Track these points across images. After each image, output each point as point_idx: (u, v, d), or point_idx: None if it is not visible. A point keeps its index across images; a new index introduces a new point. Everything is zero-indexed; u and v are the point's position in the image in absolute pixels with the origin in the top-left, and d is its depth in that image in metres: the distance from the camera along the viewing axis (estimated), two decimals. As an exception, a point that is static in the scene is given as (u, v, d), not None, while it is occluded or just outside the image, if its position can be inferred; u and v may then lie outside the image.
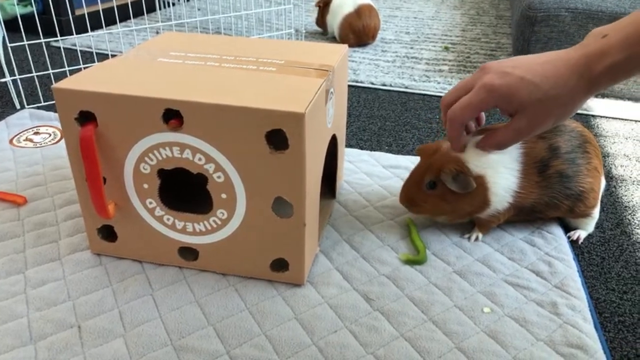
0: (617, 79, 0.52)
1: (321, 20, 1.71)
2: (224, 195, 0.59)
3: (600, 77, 0.52)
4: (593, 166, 0.70)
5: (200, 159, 0.57)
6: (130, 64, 0.64)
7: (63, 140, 0.97)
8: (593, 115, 1.17)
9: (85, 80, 0.58)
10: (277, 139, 0.54)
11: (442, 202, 0.68)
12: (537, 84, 0.54)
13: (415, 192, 0.70)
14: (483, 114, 0.69)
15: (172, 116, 0.55)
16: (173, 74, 0.61)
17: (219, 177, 0.57)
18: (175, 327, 0.57)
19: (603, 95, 1.27)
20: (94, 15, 1.42)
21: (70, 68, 1.21)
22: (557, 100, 0.54)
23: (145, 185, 0.60)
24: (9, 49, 1.11)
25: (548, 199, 0.69)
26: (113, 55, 1.18)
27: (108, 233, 0.66)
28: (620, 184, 0.89)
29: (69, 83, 0.57)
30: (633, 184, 0.89)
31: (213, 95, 0.55)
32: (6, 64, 1.14)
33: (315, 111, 0.56)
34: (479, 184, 0.66)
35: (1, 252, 0.67)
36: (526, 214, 0.71)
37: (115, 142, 0.58)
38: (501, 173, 0.67)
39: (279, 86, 0.58)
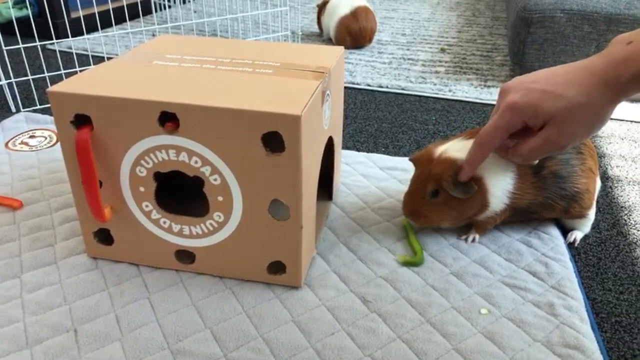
0: None
1: (319, 24, 1.71)
2: (220, 198, 0.58)
3: (628, 84, 0.51)
4: (588, 167, 0.70)
5: (196, 162, 0.57)
6: (126, 66, 0.64)
7: (59, 144, 0.97)
8: (589, 116, 1.17)
9: (81, 84, 0.58)
10: (274, 142, 0.53)
11: (446, 208, 0.68)
12: (559, 94, 0.53)
13: (419, 203, 0.69)
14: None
15: (168, 119, 0.55)
16: (169, 76, 0.61)
17: (215, 179, 0.57)
18: (172, 330, 0.57)
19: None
20: (89, 18, 1.42)
21: (66, 71, 1.20)
22: (585, 108, 0.53)
23: (142, 189, 0.60)
24: (4, 52, 1.10)
25: (543, 200, 0.69)
26: (109, 58, 1.18)
27: (104, 236, 0.65)
28: (616, 185, 0.89)
29: (65, 86, 0.57)
30: (629, 185, 0.90)
31: (209, 97, 0.55)
32: (1, 67, 1.14)
33: (312, 113, 0.56)
34: (479, 186, 0.66)
35: (-3, 256, 0.67)
36: (522, 215, 0.72)
37: (111, 145, 0.58)
38: (498, 174, 0.67)
39: (275, 88, 0.58)
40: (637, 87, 0.51)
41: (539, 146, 0.57)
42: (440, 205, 0.68)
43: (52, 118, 1.08)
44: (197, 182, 0.58)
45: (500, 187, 0.67)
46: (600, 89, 0.52)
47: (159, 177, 0.60)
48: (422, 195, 0.68)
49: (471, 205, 0.68)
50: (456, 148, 0.68)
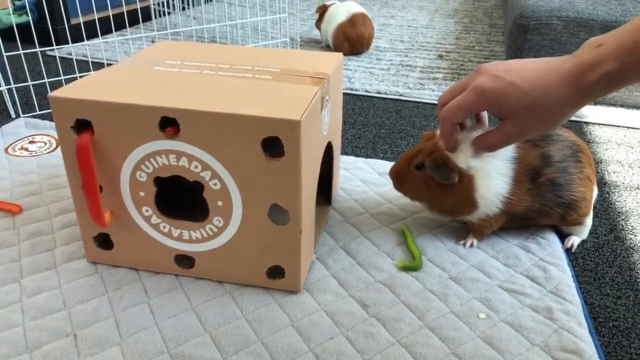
0: (610, 88, 0.52)
1: (319, 28, 1.72)
2: (220, 203, 0.59)
3: (593, 87, 0.52)
4: (585, 175, 0.71)
5: (196, 167, 0.57)
6: (126, 72, 0.65)
7: (59, 149, 0.97)
8: (586, 122, 1.18)
9: (82, 89, 0.58)
10: (273, 146, 0.54)
11: (424, 185, 0.70)
12: (526, 91, 0.54)
13: (404, 169, 0.72)
14: (485, 113, 0.69)
15: (169, 124, 0.55)
16: (169, 82, 0.62)
17: (215, 184, 0.58)
18: (171, 334, 0.57)
19: (596, 103, 1.28)
20: (89, 24, 1.42)
21: (66, 77, 1.21)
22: (546, 109, 0.54)
23: (142, 193, 0.60)
24: (4, 57, 1.11)
25: (540, 207, 0.70)
26: (109, 64, 1.19)
27: (104, 241, 0.66)
28: (613, 190, 0.90)
29: (66, 91, 0.57)
30: (626, 190, 0.90)
31: (209, 103, 0.55)
32: (1, 73, 1.14)
33: (311, 118, 0.56)
34: (464, 181, 0.66)
35: (-4, 261, 0.67)
36: (518, 221, 0.72)
37: (111, 150, 0.58)
38: (493, 178, 0.67)
39: (275, 94, 0.59)
40: (601, 91, 0.52)
41: (499, 141, 0.60)
42: (420, 180, 0.70)
43: (51, 124, 1.08)
44: (197, 187, 0.59)
45: (492, 191, 0.67)
46: (566, 90, 0.53)
47: (159, 181, 0.60)
48: (410, 163, 0.71)
49: (452, 197, 0.68)
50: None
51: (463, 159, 0.66)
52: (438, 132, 0.69)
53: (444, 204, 0.70)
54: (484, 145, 0.63)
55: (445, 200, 0.69)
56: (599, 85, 0.52)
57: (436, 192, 0.69)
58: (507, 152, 0.67)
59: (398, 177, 0.73)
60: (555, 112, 0.55)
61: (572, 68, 0.53)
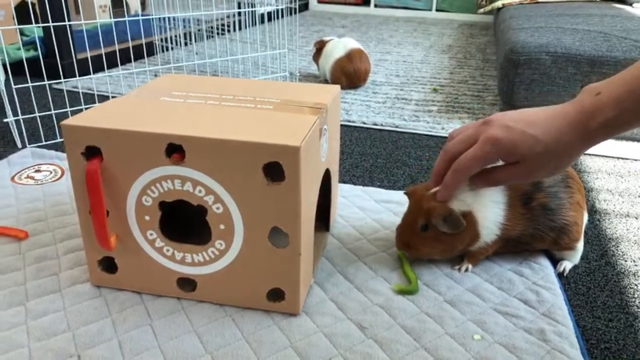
0: (610, 134, 0.55)
1: (316, 62, 1.78)
2: (222, 226, 0.61)
3: (595, 133, 0.55)
4: (575, 201, 0.73)
5: (200, 191, 0.60)
6: (134, 102, 0.68)
7: (64, 178, 1.00)
8: (577, 153, 1.22)
9: (92, 117, 0.61)
10: (274, 171, 0.57)
11: (436, 242, 0.71)
12: (538, 138, 0.57)
13: (410, 236, 0.72)
14: None
15: (175, 150, 0.58)
16: (175, 111, 0.65)
17: (217, 208, 0.60)
18: (173, 355, 0.58)
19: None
20: (96, 59, 1.47)
21: (72, 109, 1.25)
22: (555, 153, 0.57)
23: (147, 217, 0.63)
24: (14, 90, 1.15)
25: (533, 231, 0.72)
26: (113, 96, 1.23)
27: (108, 265, 0.67)
28: (604, 217, 0.92)
29: (77, 120, 0.60)
30: (616, 217, 0.93)
31: (213, 130, 0.58)
32: (9, 104, 1.18)
33: (310, 145, 0.59)
34: (467, 220, 0.68)
35: (2, 285, 0.69)
36: (513, 246, 0.74)
37: (119, 175, 0.61)
38: (489, 207, 0.70)
39: (276, 122, 0.62)
40: (604, 136, 0.56)
41: (506, 178, 0.63)
42: (430, 239, 0.71)
43: (57, 153, 1.11)
44: (201, 211, 0.61)
45: (490, 219, 0.70)
46: (571, 136, 0.56)
47: (163, 206, 0.62)
48: (413, 228, 0.71)
49: (461, 239, 0.70)
50: None
51: (459, 202, 0.68)
52: (427, 188, 0.71)
53: (456, 248, 0.72)
54: (491, 181, 0.64)
55: (458, 244, 0.71)
56: (600, 131, 0.55)
57: (448, 242, 0.70)
58: None
59: (409, 247, 0.73)
60: (564, 156, 0.58)
61: (576, 115, 0.56)
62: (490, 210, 0.70)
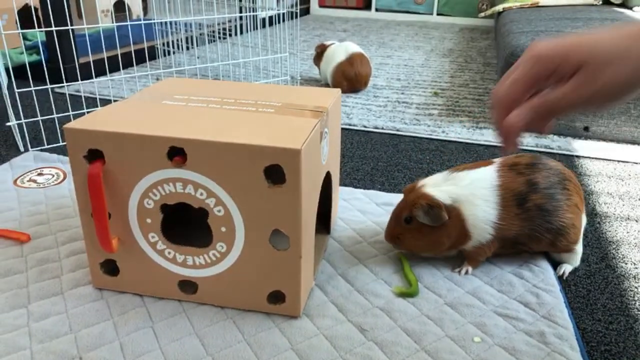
0: None
1: (317, 65, 1.78)
2: (223, 229, 0.61)
3: None
4: (573, 203, 0.73)
5: (201, 194, 0.60)
6: (136, 106, 0.68)
7: (66, 181, 1.01)
8: (577, 156, 1.22)
9: (95, 121, 0.62)
10: (275, 174, 0.57)
11: (419, 235, 0.72)
12: (597, 39, 0.45)
13: (396, 228, 0.74)
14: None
15: (176, 153, 0.58)
16: (177, 114, 0.65)
17: (219, 211, 0.60)
18: (174, 357, 0.58)
19: (586, 137, 1.32)
20: (98, 63, 1.48)
21: (74, 112, 1.25)
22: (626, 59, 0.43)
23: (149, 220, 0.63)
24: (16, 94, 1.15)
25: (530, 232, 0.72)
26: (115, 100, 1.23)
27: (110, 267, 0.68)
28: (604, 220, 0.93)
29: (79, 123, 0.61)
30: (616, 220, 0.93)
31: (215, 133, 0.58)
32: (12, 108, 1.19)
33: (311, 148, 0.60)
34: (453, 216, 0.70)
35: (5, 287, 0.69)
36: (511, 246, 0.75)
37: (121, 178, 0.61)
38: (478, 205, 0.70)
39: (277, 125, 0.62)
40: None
41: (567, 96, 0.46)
42: (415, 232, 0.72)
43: (59, 157, 1.11)
44: (202, 214, 0.61)
45: (481, 218, 0.70)
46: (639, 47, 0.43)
47: (165, 209, 0.63)
48: (399, 221, 0.73)
49: (446, 234, 0.71)
50: (433, 181, 0.74)
51: (444, 195, 0.70)
52: (419, 183, 0.73)
53: (442, 244, 0.73)
54: (547, 105, 0.47)
55: (442, 239, 0.72)
56: None
57: (432, 236, 0.72)
58: (489, 180, 0.71)
59: (394, 238, 0.75)
60: (630, 68, 0.44)
61: (634, 28, 0.45)
62: (479, 209, 0.70)
